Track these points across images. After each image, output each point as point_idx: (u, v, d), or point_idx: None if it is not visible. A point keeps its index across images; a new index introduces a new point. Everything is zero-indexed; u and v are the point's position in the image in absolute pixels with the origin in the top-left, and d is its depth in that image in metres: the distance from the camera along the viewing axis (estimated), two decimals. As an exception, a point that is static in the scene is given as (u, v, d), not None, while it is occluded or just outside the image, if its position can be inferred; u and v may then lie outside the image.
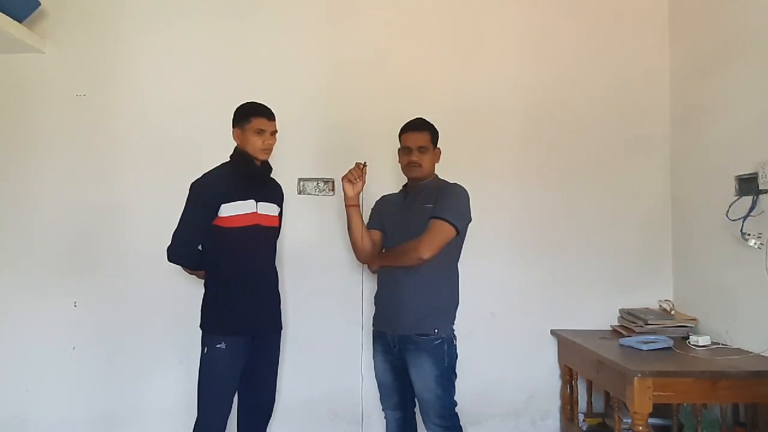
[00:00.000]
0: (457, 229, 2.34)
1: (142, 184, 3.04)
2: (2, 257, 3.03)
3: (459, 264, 2.52)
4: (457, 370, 2.42)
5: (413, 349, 2.37)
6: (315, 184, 3.06)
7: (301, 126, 3.00)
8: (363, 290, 2.91)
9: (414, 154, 2.46)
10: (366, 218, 2.63)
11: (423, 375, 2.35)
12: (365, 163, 2.50)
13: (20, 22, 2.86)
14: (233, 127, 2.41)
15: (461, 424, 2.42)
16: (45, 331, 3.00)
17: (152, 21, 3.09)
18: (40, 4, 2.92)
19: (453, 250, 2.43)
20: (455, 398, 2.42)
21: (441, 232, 2.32)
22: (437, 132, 2.53)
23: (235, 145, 2.44)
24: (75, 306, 3.02)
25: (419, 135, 2.46)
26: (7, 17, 2.77)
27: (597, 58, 3.14)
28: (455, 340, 2.43)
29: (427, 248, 2.30)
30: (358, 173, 2.47)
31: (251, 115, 2.37)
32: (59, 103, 3.06)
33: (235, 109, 2.43)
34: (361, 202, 2.56)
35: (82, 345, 3.01)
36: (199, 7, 3.10)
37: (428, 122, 2.51)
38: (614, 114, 3.12)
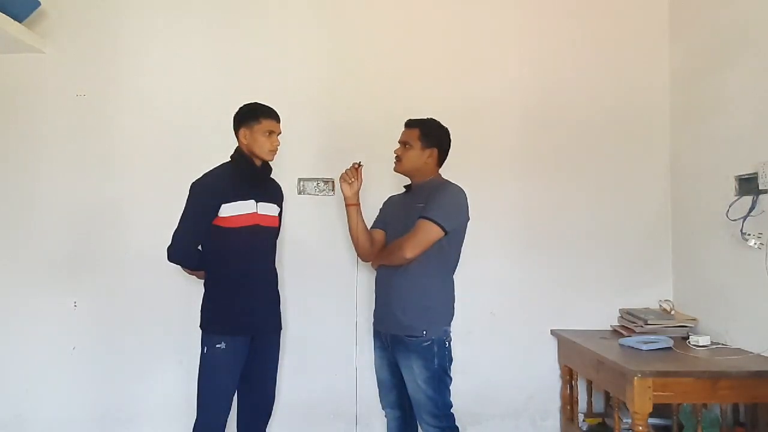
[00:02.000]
0: (444, 230, 2.33)
1: (142, 184, 3.04)
2: (2, 257, 3.03)
3: (459, 263, 2.51)
4: (456, 371, 2.41)
5: (403, 349, 2.38)
6: (315, 184, 3.06)
7: (301, 126, 3.00)
8: (357, 290, 2.94)
9: (398, 147, 2.50)
10: (373, 218, 2.66)
11: (413, 376, 2.35)
12: (360, 162, 2.53)
13: (20, 22, 2.86)
14: (239, 126, 2.40)
15: (460, 424, 2.41)
16: (45, 331, 3.00)
17: (152, 21, 3.09)
18: (40, 4, 2.92)
19: (444, 250, 2.40)
20: (451, 399, 2.40)
21: (425, 232, 2.32)
22: (433, 133, 2.48)
23: (237, 145, 2.43)
24: (75, 306, 3.02)
25: (406, 130, 2.50)
26: (7, 17, 2.77)
27: (597, 58, 3.13)
28: (449, 342, 2.40)
29: (410, 248, 2.31)
30: (353, 173, 2.52)
31: (261, 116, 2.37)
32: (59, 103, 3.06)
33: (240, 109, 2.42)
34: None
35: (82, 345, 3.01)
36: (199, 8, 3.10)
37: (423, 121, 2.49)
38: (614, 114, 3.12)
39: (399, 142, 2.51)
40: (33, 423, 3.00)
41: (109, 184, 3.04)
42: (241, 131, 2.39)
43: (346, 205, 2.55)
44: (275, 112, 2.41)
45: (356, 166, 2.52)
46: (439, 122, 2.51)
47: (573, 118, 3.12)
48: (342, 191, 2.54)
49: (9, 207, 3.04)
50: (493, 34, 3.15)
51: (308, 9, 3.12)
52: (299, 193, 3.05)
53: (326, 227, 3.04)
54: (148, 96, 3.07)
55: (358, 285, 2.98)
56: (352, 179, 2.51)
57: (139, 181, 3.04)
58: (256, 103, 2.43)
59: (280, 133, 2.44)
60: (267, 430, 2.54)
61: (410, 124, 2.51)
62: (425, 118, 2.51)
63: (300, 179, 3.05)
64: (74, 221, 3.03)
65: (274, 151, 2.42)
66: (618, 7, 3.16)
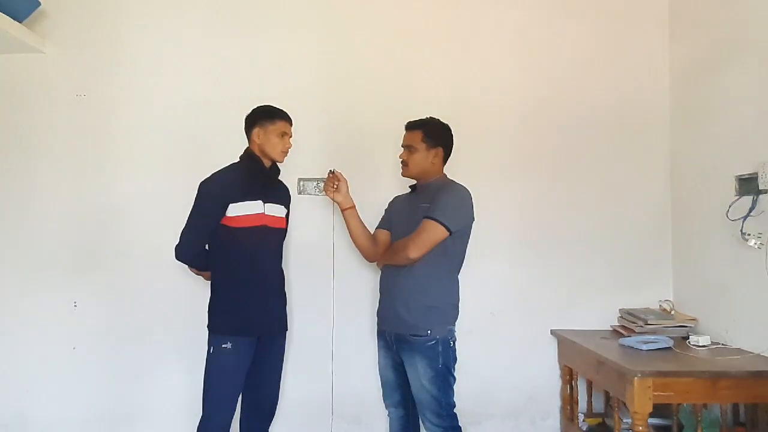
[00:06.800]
0: (448, 230, 2.32)
1: (142, 184, 3.04)
2: (2, 257, 3.03)
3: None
4: (456, 371, 2.41)
5: (408, 349, 2.38)
6: (315, 184, 3.06)
7: (302, 126, 2.97)
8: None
9: (403, 152, 2.48)
10: (379, 217, 2.67)
11: (417, 375, 2.35)
12: (332, 170, 2.55)
13: (20, 22, 2.86)
14: (253, 126, 2.40)
15: (460, 424, 2.41)
16: (45, 331, 3.00)
17: (152, 21, 3.10)
18: (40, 4, 2.92)
19: (449, 250, 2.40)
20: (455, 399, 2.40)
21: (430, 232, 2.31)
22: (437, 132, 2.48)
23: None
24: (75, 306, 3.02)
25: (408, 134, 2.50)
26: (7, 17, 2.77)
27: (597, 58, 3.13)
28: (453, 341, 2.40)
29: (415, 248, 2.31)
30: (332, 180, 2.53)
31: (277, 118, 2.40)
32: (59, 103, 3.06)
33: (254, 110, 2.43)
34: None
35: (82, 345, 3.01)
36: (199, 8, 3.10)
37: (424, 121, 2.49)
38: (614, 114, 3.12)
39: (402, 146, 2.50)
40: (33, 423, 3.00)
41: (109, 184, 3.04)
42: (255, 130, 2.40)
43: (342, 211, 2.56)
44: (288, 116, 2.44)
45: (331, 173, 2.54)
46: (440, 121, 2.51)
47: (573, 118, 3.12)
48: (333, 200, 2.56)
49: (9, 206, 3.04)
50: (493, 34, 3.15)
51: (308, 9, 3.12)
52: (299, 193, 3.05)
53: (326, 227, 3.04)
54: (148, 96, 3.07)
55: (361, 285, 2.98)
56: (335, 185, 2.52)
57: (138, 180, 3.04)
58: (269, 105, 2.45)
59: (291, 136, 2.45)
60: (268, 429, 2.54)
61: (412, 126, 2.49)
62: (426, 118, 2.50)
63: (300, 179, 3.05)
64: (74, 221, 3.04)
65: (285, 153, 2.44)
66: (618, 7, 3.15)
